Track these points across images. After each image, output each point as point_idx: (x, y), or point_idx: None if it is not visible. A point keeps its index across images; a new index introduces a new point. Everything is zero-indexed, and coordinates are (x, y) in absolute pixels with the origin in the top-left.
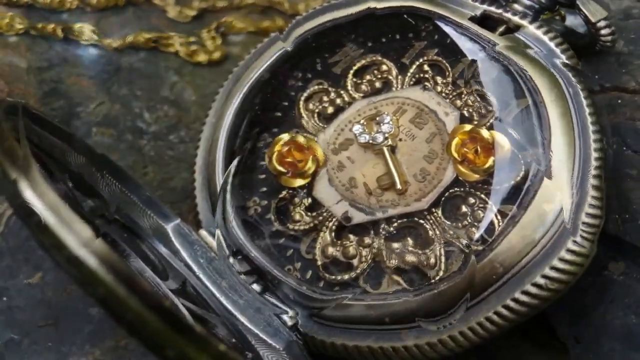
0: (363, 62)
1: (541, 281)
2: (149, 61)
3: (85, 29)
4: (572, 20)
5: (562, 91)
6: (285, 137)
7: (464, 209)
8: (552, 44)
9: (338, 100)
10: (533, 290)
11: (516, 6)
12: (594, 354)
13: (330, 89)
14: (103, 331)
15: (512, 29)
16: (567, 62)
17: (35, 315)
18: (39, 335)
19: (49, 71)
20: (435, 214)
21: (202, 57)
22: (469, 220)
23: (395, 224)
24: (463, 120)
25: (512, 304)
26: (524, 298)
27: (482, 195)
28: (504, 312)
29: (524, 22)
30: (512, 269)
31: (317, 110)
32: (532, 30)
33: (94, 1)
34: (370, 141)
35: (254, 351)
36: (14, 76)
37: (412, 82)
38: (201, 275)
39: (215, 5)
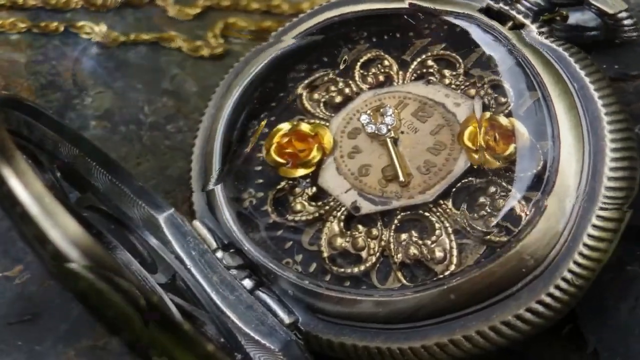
0: (369, 55)
1: (568, 276)
2: (149, 55)
3: (87, 26)
4: (579, 17)
5: (567, 86)
6: (285, 127)
7: (481, 199)
8: (553, 44)
9: (347, 90)
10: (564, 285)
11: (519, 6)
12: (621, 356)
13: (338, 78)
14: (81, 329)
15: (517, 26)
16: (570, 58)
17: (8, 311)
18: (8, 333)
19: (47, 64)
20: (443, 206)
21: (205, 52)
22: (488, 210)
23: (399, 217)
24: (483, 108)
25: (548, 299)
26: (557, 293)
27: (504, 183)
28: (540, 308)
29: (527, 21)
30: (544, 262)
31: (323, 100)
32: (533, 29)
33: (99, 1)
34: (376, 131)
35: (243, 352)
36: (12, 70)
37: (413, 78)
38: (192, 269)
39: (220, 4)
